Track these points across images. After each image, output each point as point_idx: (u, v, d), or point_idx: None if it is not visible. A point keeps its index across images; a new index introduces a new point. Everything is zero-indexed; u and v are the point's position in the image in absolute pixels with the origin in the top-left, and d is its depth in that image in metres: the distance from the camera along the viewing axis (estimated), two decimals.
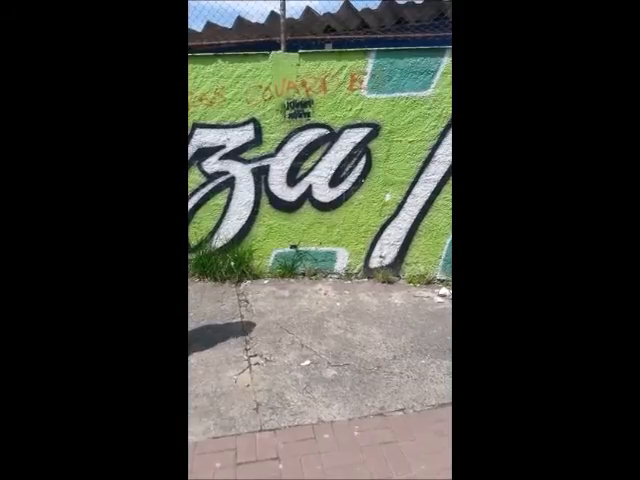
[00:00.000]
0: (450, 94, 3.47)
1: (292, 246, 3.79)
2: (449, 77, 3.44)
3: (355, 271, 3.84)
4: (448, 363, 2.47)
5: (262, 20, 3.82)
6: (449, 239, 3.73)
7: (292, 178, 3.67)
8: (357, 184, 3.67)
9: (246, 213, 3.77)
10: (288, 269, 3.81)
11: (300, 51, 3.47)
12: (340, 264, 3.84)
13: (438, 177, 3.63)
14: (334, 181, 3.68)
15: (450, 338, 2.69)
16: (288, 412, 2.08)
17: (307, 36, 3.97)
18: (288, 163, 3.64)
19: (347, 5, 3.69)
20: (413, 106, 3.51)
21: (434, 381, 2.32)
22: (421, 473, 1.69)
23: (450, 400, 2.15)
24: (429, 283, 3.74)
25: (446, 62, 3.43)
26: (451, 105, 3.49)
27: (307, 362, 2.48)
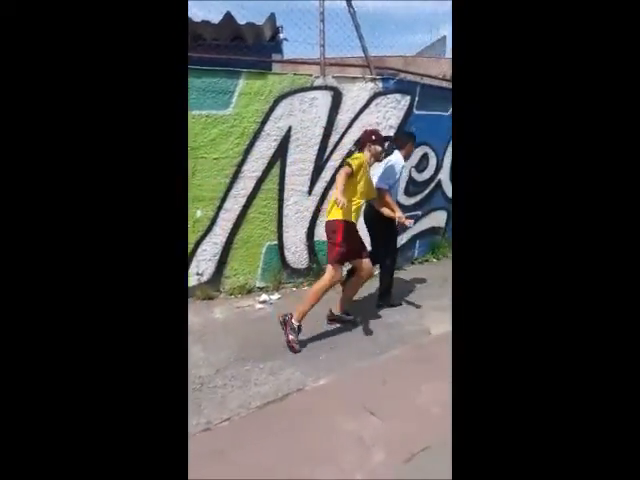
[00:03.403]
0: (249, 114, 3.69)
1: None
2: (247, 98, 3.66)
3: None
4: (270, 364, 2.62)
5: None
6: (264, 248, 3.94)
7: None
8: None
9: None
10: None
11: None
12: None
13: (247, 192, 3.80)
14: None
15: (269, 339, 2.85)
16: None
17: None
18: None
19: None
20: (214, 124, 3.61)
21: (257, 384, 2.43)
22: (252, 473, 1.77)
23: (274, 398, 2.29)
24: (250, 292, 3.88)
25: (242, 84, 3.64)
26: (253, 124, 3.71)
27: None
